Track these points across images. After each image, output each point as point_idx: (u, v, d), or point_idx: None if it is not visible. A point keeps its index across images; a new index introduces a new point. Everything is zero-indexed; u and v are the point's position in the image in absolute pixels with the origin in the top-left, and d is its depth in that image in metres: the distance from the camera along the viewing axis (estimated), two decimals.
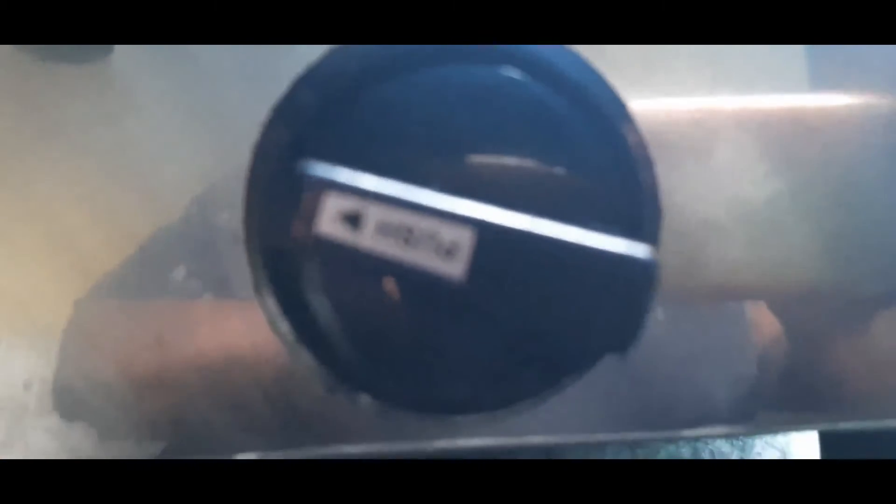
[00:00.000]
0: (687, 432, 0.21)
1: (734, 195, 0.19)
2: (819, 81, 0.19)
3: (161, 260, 0.19)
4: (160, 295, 0.20)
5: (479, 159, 0.17)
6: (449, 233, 0.15)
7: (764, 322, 0.20)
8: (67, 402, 0.20)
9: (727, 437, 0.29)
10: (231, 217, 0.19)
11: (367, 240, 0.15)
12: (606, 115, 0.18)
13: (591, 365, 0.18)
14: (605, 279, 0.15)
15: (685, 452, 0.30)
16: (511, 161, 0.17)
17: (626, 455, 0.30)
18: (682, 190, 0.19)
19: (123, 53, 0.19)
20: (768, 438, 0.30)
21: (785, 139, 0.20)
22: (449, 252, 0.15)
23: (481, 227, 0.15)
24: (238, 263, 0.19)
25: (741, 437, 0.31)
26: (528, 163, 0.17)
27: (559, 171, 0.17)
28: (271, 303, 0.18)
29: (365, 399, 0.18)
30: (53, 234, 0.20)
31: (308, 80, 0.18)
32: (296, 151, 0.18)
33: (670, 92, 0.19)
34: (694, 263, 0.20)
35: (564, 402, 0.20)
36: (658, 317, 0.20)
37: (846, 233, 0.20)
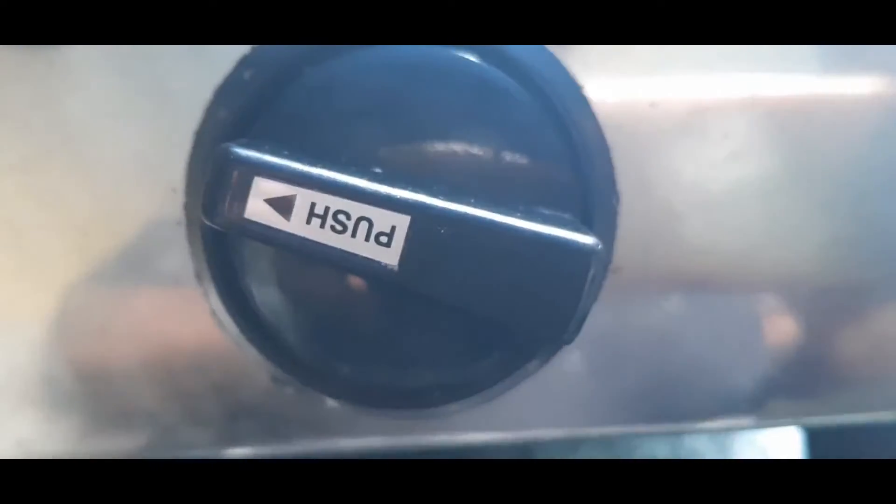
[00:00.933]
0: (692, 425, 0.21)
1: (713, 181, 0.19)
2: (784, 65, 0.19)
3: (107, 246, 0.20)
4: (105, 283, 0.20)
5: (423, 142, 0.17)
6: (384, 220, 0.15)
7: (762, 306, 0.20)
8: (13, 393, 0.20)
9: (735, 429, 0.29)
10: (175, 201, 0.19)
11: (299, 225, 0.15)
12: (560, 98, 0.18)
13: (537, 353, 0.18)
14: (547, 266, 0.15)
15: (662, 451, 0.30)
16: (457, 145, 0.17)
17: (603, 453, 0.30)
18: (661, 175, 0.19)
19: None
20: (750, 437, 0.31)
21: (769, 123, 0.20)
22: (384, 238, 0.15)
23: (418, 213, 0.15)
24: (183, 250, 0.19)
25: (723, 436, 0.31)
26: (474, 147, 0.17)
27: (507, 155, 0.17)
28: (211, 291, 0.19)
29: (312, 395, 0.19)
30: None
31: (250, 61, 0.18)
32: (235, 133, 0.18)
33: (630, 74, 0.19)
34: (673, 243, 0.20)
35: (570, 395, 0.20)
36: (666, 308, 0.20)
37: (829, 221, 0.20)
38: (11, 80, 0.19)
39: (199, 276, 0.19)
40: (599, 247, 0.15)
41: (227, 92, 0.18)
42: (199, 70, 0.19)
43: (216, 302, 0.19)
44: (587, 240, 0.15)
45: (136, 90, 0.19)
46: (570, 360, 0.20)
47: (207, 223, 0.15)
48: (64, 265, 0.20)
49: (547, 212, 0.17)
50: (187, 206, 0.18)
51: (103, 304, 0.20)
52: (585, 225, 0.18)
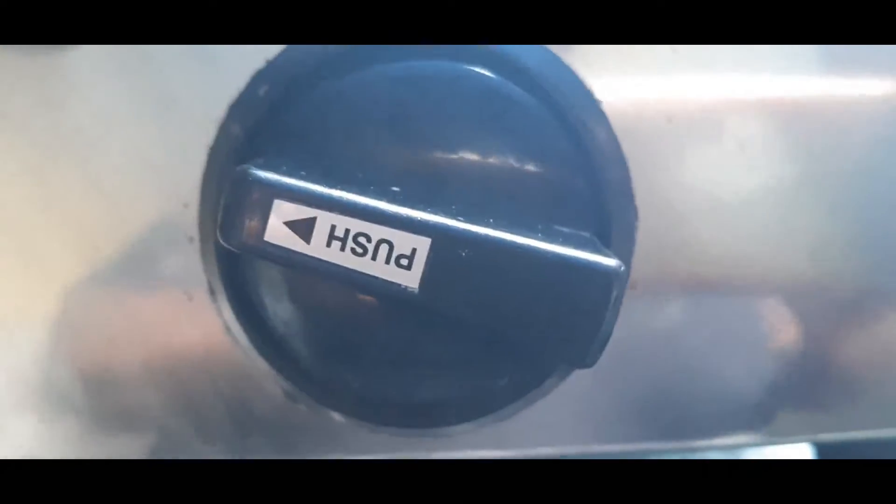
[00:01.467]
0: (704, 442, 0.21)
1: (730, 184, 0.20)
2: (799, 70, 0.19)
3: (119, 260, 0.20)
4: (115, 297, 0.20)
5: (438, 160, 0.17)
6: (404, 242, 0.15)
7: (775, 317, 0.21)
8: (19, 406, 0.20)
9: (749, 446, 0.29)
10: (185, 213, 0.19)
11: (319, 248, 0.15)
12: (577, 112, 0.18)
13: (552, 376, 0.18)
14: (568, 288, 0.15)
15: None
16: (474, 162, 0.17)
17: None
18: (677, 177, 0.19)
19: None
20: (761, 451, 0.31)
21: (792, 127, 0.20)
22: (404, 261, 0.15)
23: (437, 233, 0.15)
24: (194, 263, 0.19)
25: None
26: (492, 164, 0.17)
27: (525, 172, 0.17)
28: (225, 307, 0.19)
29: (325, 412, 0.19)
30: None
31: (265, 76, 0.18)
32: (249, 150, 0.18)
33: (651, 75, 0.19)
34: (686, 254, 0.20)
35: (579, 413, 0.20)
36: (669, 312, 0.20)
37: (844, 225, 0.20)
38: (18, 89, 0.19)
39: (212, 292, 0.19)
40: (622, 269, 0.15)
41: (241, 108, 0.18)
42: (209, 78, 0.19)
43: (230, 318, 0.19)
44: (609, 262, 0.15)
45: (145, 99, 0.19)
46: (580, 378, 0.20)
47: (228, 244, 0.15)
48: (75, 279, 0.20)
49: (566, 230, 0.17)
50: (201, 223, 0.19)
51: (113, 318, 0.20)
52: (603, 242, 0.18)
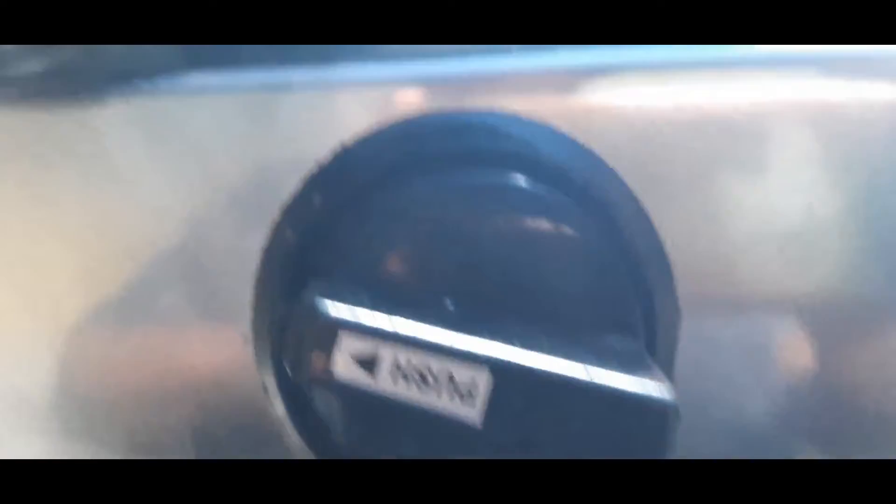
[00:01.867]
0: None
1: (767, 205, 0.20)
2: (845, 80, 0.20)
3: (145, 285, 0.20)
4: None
5: (492, 272, 0.18)
6: (465, 374, 0.16)
7: (794, 338, 0.21)
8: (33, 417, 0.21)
9: None
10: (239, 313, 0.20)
11: (384, 382, 0.16)
12: (621, 215, 0.19)
13: None
14: (624, 424, 0.16)
15: None
16: (524, 274, 0.18)
17: None
18: (715, 200, 0.20)
19: (106, 115, 0.20)
20: None
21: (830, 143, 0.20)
22: (466, 394, 0.16)
23: (497, 367, 0.16)
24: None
25: None
26: (541, 275, 0.18)
27: (573, 281, 0.18)
28: (279, 404, 0.19)
29: None
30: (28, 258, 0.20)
31: (317, 183, 0.19)
32: (303, 257, 0.19)
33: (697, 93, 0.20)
34: (724, 275, 0.20)
35: None
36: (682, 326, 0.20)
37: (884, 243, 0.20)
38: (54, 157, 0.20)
39: (265, 389, 0.20)
40: (676, 405, 0.16)
41: (294, 214, 0.19)
42: (240, 146, 0.19)
43: (285, 418, 0.19)
44: (664, 395, 0.16)
45: (174, 164, 0.19)
46: None
47: (290, 367, 0.16)
48: (112, 353, 0.20)
49: (616, 344, 0.18)
50: (255, 325, 0.19)
51: (160, 400, 0.21)
52: (649, 343, 0.19)
